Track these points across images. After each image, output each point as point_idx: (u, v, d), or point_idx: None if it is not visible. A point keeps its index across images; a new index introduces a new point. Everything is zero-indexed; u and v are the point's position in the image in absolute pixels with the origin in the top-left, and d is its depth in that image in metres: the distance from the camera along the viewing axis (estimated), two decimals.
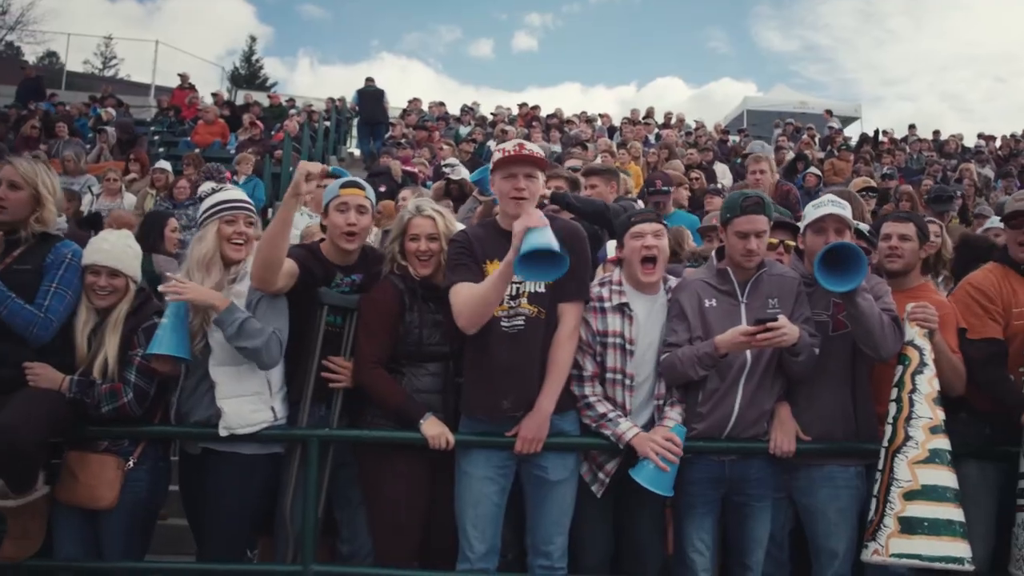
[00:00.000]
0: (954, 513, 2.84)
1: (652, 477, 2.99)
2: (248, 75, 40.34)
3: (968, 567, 2.79)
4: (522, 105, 17.39)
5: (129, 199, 8.57)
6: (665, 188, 5.69)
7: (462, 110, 16.89)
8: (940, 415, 2.95)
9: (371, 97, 16.40)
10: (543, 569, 3.08)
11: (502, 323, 3.03)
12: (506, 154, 3.02)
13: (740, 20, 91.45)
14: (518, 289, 3.04)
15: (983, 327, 3.30)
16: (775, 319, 2.93)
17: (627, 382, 3.15)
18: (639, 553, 3.26)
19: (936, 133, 16.94)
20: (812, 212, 3.26)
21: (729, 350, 2.99)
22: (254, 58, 41.68)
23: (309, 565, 3.06)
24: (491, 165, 3.10)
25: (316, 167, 3.08)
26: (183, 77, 17.45)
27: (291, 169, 9.94)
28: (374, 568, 3.17)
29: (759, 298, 3.15)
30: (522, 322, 3.04)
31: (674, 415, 3.13)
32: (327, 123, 14.66)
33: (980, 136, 16.77)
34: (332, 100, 17.19)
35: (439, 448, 3.05)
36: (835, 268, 2.94)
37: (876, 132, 16.34)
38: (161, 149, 13.12)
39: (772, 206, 3.29)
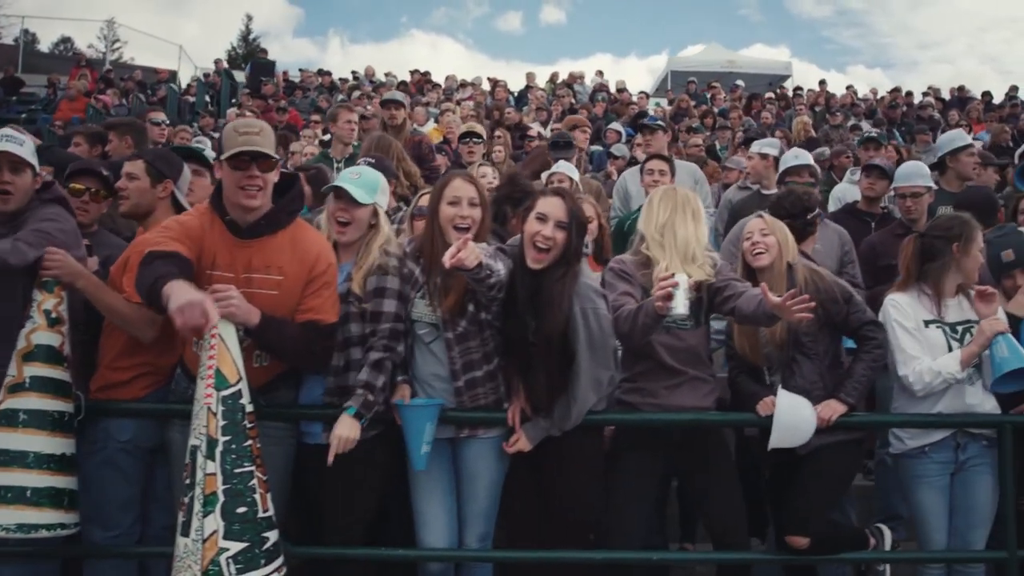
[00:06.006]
0: (6, 478, 2.56)
1: None
2: (245, 54, 40.25)
3: (7, 535, 2.53)
4: (413, 72, 17.09)
5: None
6: None
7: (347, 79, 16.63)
8: (30, 372, 2.65)
9: (260, 69, 16.69)
10: None
11: None
12: None
13: None
14: None
15: None
16: None
17: None
18: None
19: (850, 87, 16.14)
20: None
21: None
22: (251, 37, 41.39)
23: None
24: None
25: None
26: (79, 56, 17.64)
27: None
28: None
29: None
30: None
31: None
32: (189, 98, 14.54)
33: (899, 91, 15.89)
34: (211, 73, 17.20)
35: None
36: None
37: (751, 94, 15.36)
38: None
39: None
